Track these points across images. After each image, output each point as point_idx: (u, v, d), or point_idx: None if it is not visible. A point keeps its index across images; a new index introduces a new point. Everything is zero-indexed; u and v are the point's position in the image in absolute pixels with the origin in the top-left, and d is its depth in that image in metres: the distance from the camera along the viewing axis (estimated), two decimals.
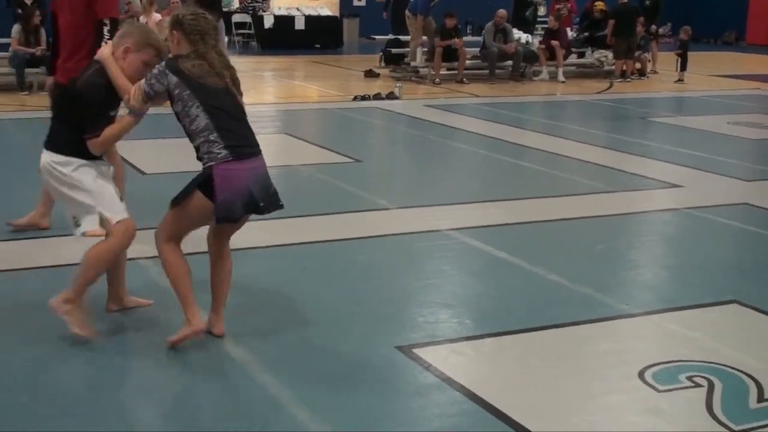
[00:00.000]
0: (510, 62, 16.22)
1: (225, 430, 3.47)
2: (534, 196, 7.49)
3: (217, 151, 3.88)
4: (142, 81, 3.98)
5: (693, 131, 11.22)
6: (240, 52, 21.34)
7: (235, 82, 4.05)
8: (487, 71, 16.10)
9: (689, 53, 16.64)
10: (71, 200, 4.18)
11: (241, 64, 16.21)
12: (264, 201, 4.03)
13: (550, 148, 9.71)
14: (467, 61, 15.96)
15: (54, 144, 4.17)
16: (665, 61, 17.92)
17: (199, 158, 3.97)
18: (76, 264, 5.33)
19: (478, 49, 16.37)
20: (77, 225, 4.16)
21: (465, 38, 16.60)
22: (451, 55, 15.68)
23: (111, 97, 4.10)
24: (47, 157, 4.16)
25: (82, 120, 4.08)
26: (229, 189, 3.89)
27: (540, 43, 16.73)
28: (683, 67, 16.47)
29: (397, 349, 4.20)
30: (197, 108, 3.87)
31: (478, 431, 3.51)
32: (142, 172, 7.98)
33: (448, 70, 15.89)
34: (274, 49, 21.07)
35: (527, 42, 17.02)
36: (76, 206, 4.19)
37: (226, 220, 4.01)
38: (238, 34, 22.12)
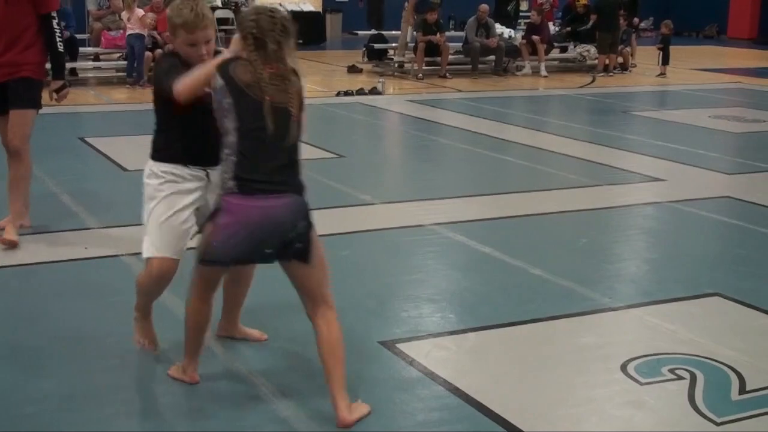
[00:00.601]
0: (492, 57, 16.24)
1: (205, 428, 3.47)
2: (517, 190, 7.50)
3: (225, 180, 3.38)
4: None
5: (675, 125, 11.26)
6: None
7: (285, 94, 3.38)
8: (469, 66, 16.10)
9: (671, 47, 16.70)
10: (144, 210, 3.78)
11: None
12: (273, 248, 3.38)
13: (533, 142, 9.73)
14: (450, 56, 15.96)
15: (152, 150, 3.78)
16: (647, 55, 17.98)
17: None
18: (49, 262, 5.33)
19: (460, 44, 16.38)
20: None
21: (447, 33, 16.59)
22: (433, 50, 15.68)
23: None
24: (146, 171, 3.78)
25: (162, 92, 3.56)
26: (227, 226, 3.35)
27: (522, 38, 16.75)
28: (665, 61, 16.53)
29: (380, 344, 4.20)
30: (231, 122, 3.33)
31: (461, 425, 3.51)
32: (124, 169, 7.94)
33: (430, 65, 15.88)
34: None
35: (510, 37, 17.03)
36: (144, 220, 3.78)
37: (214, 262, 3.46)
38: (220, 30, 21.99)
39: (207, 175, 3.72)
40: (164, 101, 3.61)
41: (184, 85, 3.46)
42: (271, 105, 3.31)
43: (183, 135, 3.70)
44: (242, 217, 3.33)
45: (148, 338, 4.00)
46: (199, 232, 3.62)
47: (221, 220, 3.35)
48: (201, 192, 3.73)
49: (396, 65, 16.33)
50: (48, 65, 5.64)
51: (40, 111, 5.72)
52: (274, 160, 3.37)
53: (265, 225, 3.33)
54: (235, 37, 3.45)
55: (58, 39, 5.54)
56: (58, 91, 5.72)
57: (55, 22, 5.52)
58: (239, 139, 3.32)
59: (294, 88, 3.40)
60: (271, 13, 3.40)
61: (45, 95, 5.72)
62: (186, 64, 3.58)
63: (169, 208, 3.68)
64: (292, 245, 3.39)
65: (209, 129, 3.50)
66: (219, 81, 3.34)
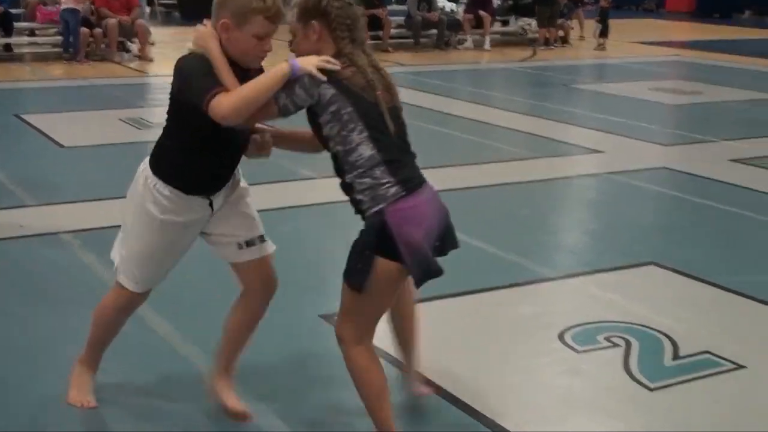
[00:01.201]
0: (435, 31, 16.26)
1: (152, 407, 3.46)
2: (459, 163, 7.54)
3: (384, 190, 2.90)
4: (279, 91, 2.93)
5: (614, 97, 11.39)
6: (162, 22, 20.92)
7: (391, 90, 3.04)
8: (411, 40, 16.11)
9: (610, 20, 16.84)
10: (122, 226, 3.25)
11: (163, 35, 15.96)
12: (449, 240, 3.12)
13: (475, 115, 9.78)
14: (392, 30, 15.95)
15: (151, 156, 3.16)
16: (587, 28, 18.12)
17: (352, 200, 2.99)
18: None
19: (402, 18, 16.37)
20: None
21: (390, 7, 16.57)
22: (375, 23, 15.64)
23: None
24: (142, 167, 3.16)
25: (187, 101, 2.93)
26: (417, 234, 2.92)
27: (465, 12, 16.78)
28: (603, 34, 16.66)
29: (321, 317, 4.22)
30: (360, 134, 2.91)
31: (400, 396, 3.54)
32: (61, 145, 7.81)
33: (372, 39, 15.86)
34: (199, 18, 20.67)
35: (451, 11, 17.06)
36: (121, 234, 3.26)
37: (428, 277, 3.00)
38: (160, 5, 21.69)
39: (210, 204, 3.21)
40: (186, 115, 2.98)
41: (231, 103, 2.81)
42: (384, 102, 2.97)
43: (201, 160, 3.10)
44: (428, 215, 2.99)
45: (89, 395, 3.37)
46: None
47: (414, 227, 2.91)
48: (201, 223, 3.24)
49: None
50: None
51: None
52: (409, 155, 3.08)
53: (439, 216, 3.05)
54: (204, 28, 3.03)
55: None
56: None
57: None
58: (378, 148, 2.92)
59: (390, 80, 3.05)
60: (348, 0, 2.99)
61: None
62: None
63: (164, 242, 3.17)
64: (453, 232, 3.15)
65: (234, 150, 3.15)
66: (327, 91, 2.90)
